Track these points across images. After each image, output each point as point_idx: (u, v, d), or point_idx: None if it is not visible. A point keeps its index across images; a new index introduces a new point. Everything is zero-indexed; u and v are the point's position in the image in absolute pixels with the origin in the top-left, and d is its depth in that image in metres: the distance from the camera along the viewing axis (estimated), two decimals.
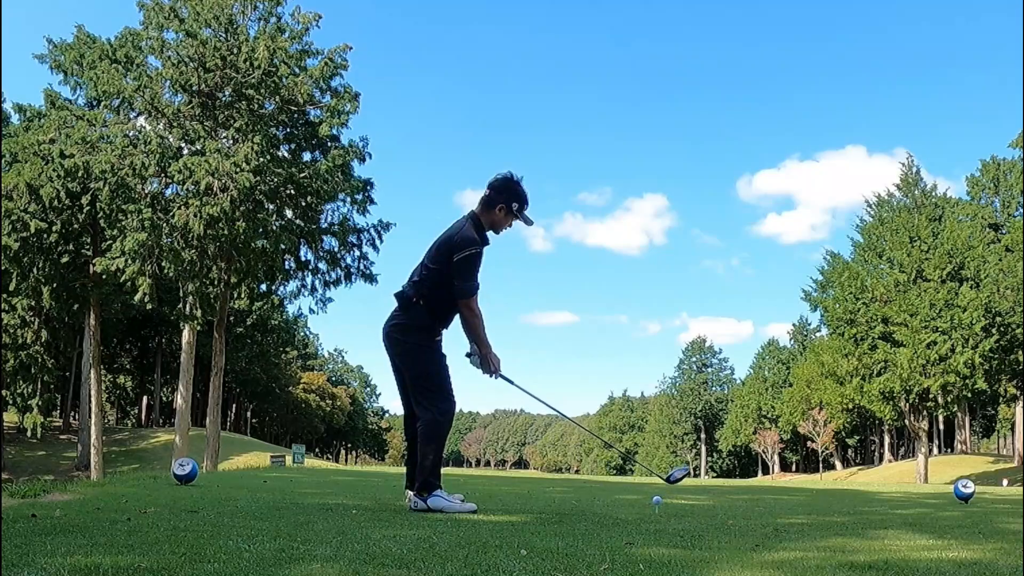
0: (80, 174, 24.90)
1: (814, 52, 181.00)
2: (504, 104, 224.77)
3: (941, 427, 64.22)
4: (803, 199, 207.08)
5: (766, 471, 75.57)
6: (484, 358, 4.35)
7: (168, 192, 25.35)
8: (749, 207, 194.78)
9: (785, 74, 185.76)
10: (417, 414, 4.29)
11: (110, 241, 26.40)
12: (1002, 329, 37.01)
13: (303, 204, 26.24)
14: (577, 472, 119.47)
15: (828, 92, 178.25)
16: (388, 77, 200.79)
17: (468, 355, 4.39)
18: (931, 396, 38.97)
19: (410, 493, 4.35)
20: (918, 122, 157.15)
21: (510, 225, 4.38)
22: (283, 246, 26.14)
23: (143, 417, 65.27)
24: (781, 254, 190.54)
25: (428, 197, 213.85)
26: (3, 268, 29.26)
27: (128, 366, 64.81)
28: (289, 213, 26.49)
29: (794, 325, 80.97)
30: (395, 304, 4.38)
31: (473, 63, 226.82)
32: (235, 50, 24.61)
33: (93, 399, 32.38)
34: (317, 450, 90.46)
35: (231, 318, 39.71)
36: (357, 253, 28.07)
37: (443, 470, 4.39)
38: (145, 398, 66.62)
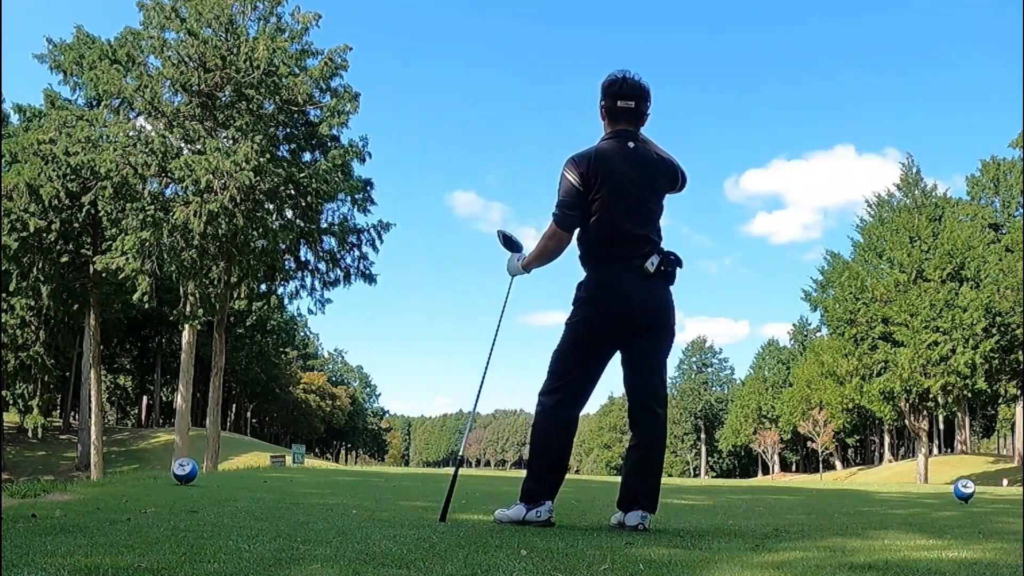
0: (84, 172, 24.94)
1: (801, 50, 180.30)
2: (496, 103, 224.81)
3: (941, 427, 64.24)
4: (793, 199, 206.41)
5: (766, 471, 75.58)
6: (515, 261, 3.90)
7: (168, 192, 25.41)
8: (738, 207, 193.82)
9: (772, 72, 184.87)
10: (653, 410, 3.56)
11: (110, 241, 26.43)
12: (1002, 329, 37.03)
13: (303, 204, 26.26)
14: (577, 472, 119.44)
15: (815, 91, 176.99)
16: (387, 77, 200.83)
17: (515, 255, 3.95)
18: (931, 396, 38.99)
19: (620, 513, 3.54)
20: (908, 121, 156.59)
21: (609, 131, 3.59)
22: (283, 246, 26.14)
23: (143, 417, 65.29)
24: (774, 254, 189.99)
25: (427, 197, 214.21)
26: (3, 268, 29.27)
27: (128, 366, 64.82)
28: (289, 213, 26.50)
29: (794, 325, 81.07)
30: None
31: (469, 62, 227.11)
32: (235, 50, 24.62)
33: (93, 399, 32.39)
34: (317, 450, 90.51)
35: (231, 318, 39.65)
36: (357, 253, 28.12)
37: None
38: (145, 398, 66.64)
